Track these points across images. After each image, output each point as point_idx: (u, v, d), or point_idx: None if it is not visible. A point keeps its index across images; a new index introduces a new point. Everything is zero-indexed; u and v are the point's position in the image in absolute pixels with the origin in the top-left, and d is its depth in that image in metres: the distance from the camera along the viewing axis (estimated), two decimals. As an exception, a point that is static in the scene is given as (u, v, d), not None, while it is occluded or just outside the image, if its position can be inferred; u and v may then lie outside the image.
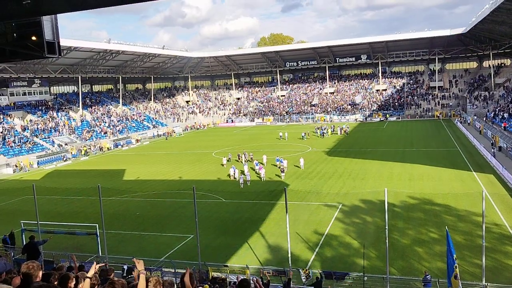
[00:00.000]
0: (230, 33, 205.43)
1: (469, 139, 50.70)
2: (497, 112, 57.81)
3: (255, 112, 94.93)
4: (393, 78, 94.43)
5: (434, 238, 21.13)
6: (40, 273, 5.29)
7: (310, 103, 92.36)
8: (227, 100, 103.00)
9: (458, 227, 22.18)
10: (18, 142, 57.13)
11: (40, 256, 16.82)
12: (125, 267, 17.61)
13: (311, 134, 64.26)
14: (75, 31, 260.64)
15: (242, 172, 36.12)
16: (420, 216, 24.67)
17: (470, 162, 38.43)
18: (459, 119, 71.52)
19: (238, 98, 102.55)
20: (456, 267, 14.50)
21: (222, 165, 43.63)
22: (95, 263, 6.33)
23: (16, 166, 51.39)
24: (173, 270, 17.81)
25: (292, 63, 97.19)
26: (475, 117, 63.77)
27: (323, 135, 63.06)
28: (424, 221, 23.80)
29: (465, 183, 31.15)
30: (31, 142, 58.36)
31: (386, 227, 17.33)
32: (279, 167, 38.15)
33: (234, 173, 37.55)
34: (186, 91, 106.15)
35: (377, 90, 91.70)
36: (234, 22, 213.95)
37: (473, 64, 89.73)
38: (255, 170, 39.06)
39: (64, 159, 56.60)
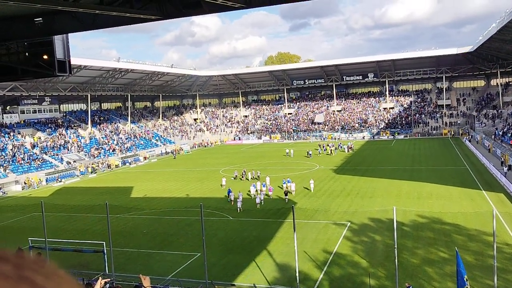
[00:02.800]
0: (239, 52, 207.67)
1: (478, 158, 50.30)
2: (506, 130, 57.42)
3: (262, 130, 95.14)
4: (400, 96, 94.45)
5: (444, 258, 20.81)
6: None
7: (312, 121, 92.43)
8: (234, 118, 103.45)
9: (468, 247, 21.84)
10: (27, 159, 57.61)
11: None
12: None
13: (314, 151, 63.61)
14: (86, 50, 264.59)
15: (258, 192, 35.70)
16: (429, 235, 24.36)
17: (479, 180, 38.05)
18: (467, 137, 71.11)
19: (246, 116, 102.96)
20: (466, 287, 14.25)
21: (221, 185, 42.08)
22: (100, 278, 6.32)
23: (25, 183, 51.73)
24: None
25: (299, 81, 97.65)
26: (484, 135, 63.37)
27: (323, 151, 63.40)
28: (434, 240, 23.48)
29: (475, 202, 30.79)
30: (40, 159, 58.81)
31: (395, 246, 17.14)
32: (285, 190, 35.47)
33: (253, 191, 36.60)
34: (194, 109, 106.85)
35: (385, 108, 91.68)
36: (243, 41, 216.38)
37: (481, 83, 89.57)
38: (263, 190, 37.56)
39: (59, 179, 56.79)
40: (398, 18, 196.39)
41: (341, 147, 67.50)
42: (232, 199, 34.42)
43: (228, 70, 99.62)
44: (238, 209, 32.03)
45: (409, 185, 37.80)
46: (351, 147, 66.29)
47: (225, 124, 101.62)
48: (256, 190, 36.27)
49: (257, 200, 33.25)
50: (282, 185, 37.78)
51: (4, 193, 48.84)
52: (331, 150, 63.84)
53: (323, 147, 66.87)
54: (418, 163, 50.25)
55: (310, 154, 60.74)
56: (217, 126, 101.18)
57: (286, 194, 34.66)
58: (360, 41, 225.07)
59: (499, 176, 38.19)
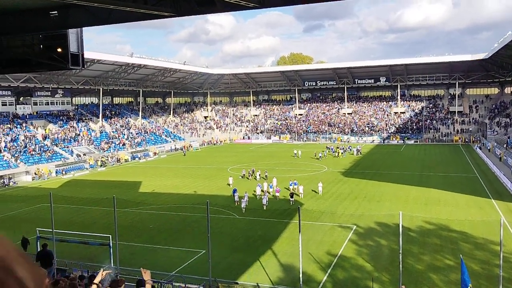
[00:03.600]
0: (252, 51, 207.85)
1: (489, 166, 49.79)
2: (518, 139, 56.73)
3: (272, 130, 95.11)
4: (412, 101, 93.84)
5: (450, 265, 20.66)
6: (47, 281, 5.35)
7: (328, 123, 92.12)
8: (244, 117, 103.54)
9: (475, 255, 21.66)
10: (38, 150, 58.23)
11: (53, 264, 16.98)
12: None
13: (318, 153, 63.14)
14: (101, 44, 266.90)
15: (263, 192, 35.30)
16: (435, 242, 24.19)
17: (489, 189, 37.67)
18: (478, 145, 70.41)
19: (256, 115, 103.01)
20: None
21: (228, 184, 41.79)
22: (101, 270, 6.38)
23: (36, 174, 52.29)
24: (183, 285, 17.75)
25: (311, 83, 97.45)
26: (496, 143, 62.69)
27: (330, 153, 63.04)
28: (440, 247, 23.32)
29: (483, 210, 30.50)
30: (51, 151, 59.41)
31: (400, 251, 17.06)
32: (291, 192, 34.85)
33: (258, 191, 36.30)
34: (204, 107, 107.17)
35: (395, 113, 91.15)
36: (256, 40, 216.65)
37: (494, 90, 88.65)
38: (270, 192, 37.17)
39: (63, 172, 57.27)
40: (413, 23, 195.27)
41: (350, 149, 67.30)
42: (237, 199, 33.98)
43: (240, 69, 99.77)
44: (243, 209, 31.73)
45: (417, 191, 37.56)
46: (359, 151, 66.06)
47: (235, 123, 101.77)
48: (262, 191, 36.03)
49: (264, 201, 32.78)
50: (289, 187, 37.34)
51: (15, 183, 49.43)
52: (338, 152, 63.45)
53: (331, 149, 66.54)
54: (428, 169, 49.89)
55: (320, 157, 60.49)
56: (227, 124, 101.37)
57: (291, 196, 34.02)
58: (374, 44, 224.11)
59: (509, 185, 37.76)
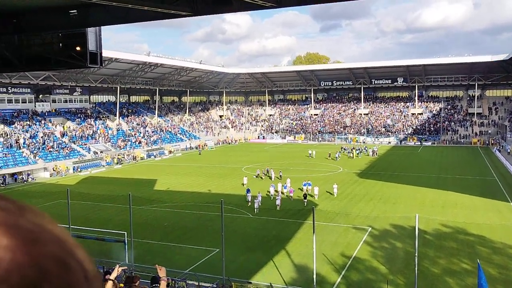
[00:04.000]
0: (268, 51, 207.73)
1: (508, 169, 48.87)
2: (539, 142, 55.61)
3: (287, 130, 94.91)
4: (429, 102, 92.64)
5: (467, 270, 20.34)
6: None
7: (343, 123, 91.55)
8: (259, 117, 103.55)
9: (492, 260, 21.28)
10: (56, 147, 59.13)
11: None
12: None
13: (333, 153, 62.53)
14: (118, 43, 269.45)
15: (277, 192, 35.06)
16: (452, 245, 23.85)
17: (508, 192, 36.96)
18: (498, 147, 69.19)
19: (271, 115, 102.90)
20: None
21: (243, 184, 41.25)
22: (117, 266, 6.43)
23: (54, 170, 53.11)
24: (197, 283, 17.83)
25: (327, 83, 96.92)
26: (515, 146, 61.51)
27: (346, 153, 62.17)
28: (457, 251, 22.98)
29: (502, 214, 29.95)
30: (68, 148, 60.28)
31: (416, 254, 16.88)
32: (304, 193, 34.35)
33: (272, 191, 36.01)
34: (220, 106, 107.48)
35: (413, 114, 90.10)
36: (272, 40, 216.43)
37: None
38: (284, 192, 36.64)
39: (79, 169, 57.81)
40: (432, 23, 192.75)
41: (366, 150, 66.78)
42: (249, 200, 33.59)
43: (256, 69, 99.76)
44: (255, 209, 31.49)
45: (434, 193, 37.07)
46: (375, 151, 65.49)
47: (250, 122, 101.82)
48: (276, 191, 35.77)
49: (277, 202, 32.41)
50: (302, 187, 36.81)
51: (33, 179, 50.28)
52: (353, 153, 62.82)
53: (346, 149, 65.66)
54: (445, 171, 49.20)
55: (337, 157, 60.15)
56: (242, 123, 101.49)
57: (305, 197, 33.45)
58: (391, 44, 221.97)
59: (529, 189, 37.05)
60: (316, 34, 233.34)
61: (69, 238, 0.80)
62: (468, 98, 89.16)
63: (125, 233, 22.12)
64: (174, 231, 27.83)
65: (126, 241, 21.86)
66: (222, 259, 18.90)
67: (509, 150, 63.01)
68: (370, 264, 21.33)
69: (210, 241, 24.86)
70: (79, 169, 55.38)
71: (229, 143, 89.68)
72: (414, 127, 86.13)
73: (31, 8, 13.06)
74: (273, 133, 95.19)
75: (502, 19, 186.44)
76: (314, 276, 18.15)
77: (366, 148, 67.97)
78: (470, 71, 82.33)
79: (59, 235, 0.78)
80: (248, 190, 35.53)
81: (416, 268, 16.86)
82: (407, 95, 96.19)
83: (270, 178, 44.82)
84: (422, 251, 21.52)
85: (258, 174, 46.63)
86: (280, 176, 44.61)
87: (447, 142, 79.59)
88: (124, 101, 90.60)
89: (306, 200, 33.21)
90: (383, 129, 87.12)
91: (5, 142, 54.85)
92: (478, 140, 77.89)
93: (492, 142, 75.58)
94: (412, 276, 17.62)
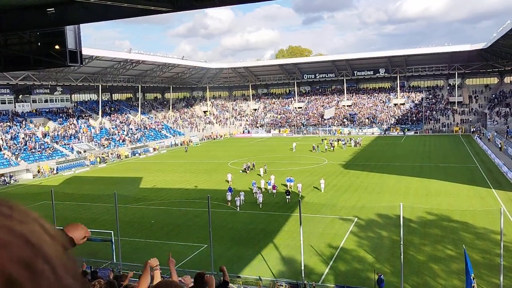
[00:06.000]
0: (251, 45, 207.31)
1: (489, 156, 49.84)
2: (518, 128, 56.77)
3: (272, 124, 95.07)
4: (411, 92, 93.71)
5: (451, 256, 20.75)
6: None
7: (322, 115, 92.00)
8: (244, 111, 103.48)
9: (476, 245, 21.75)
10: (38, 148, 58.26)
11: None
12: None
13: (321, 146, 62.52)
14: (99, 40, 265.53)
15: (260, 189, 34.47)
16: (436, 232, 24.29)
17: (489, 179, 37.73)
18: (478, 135, 70.43)
19: (255, 109, 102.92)
20: (473, 287, 14.23)
21: (227, 181, 39.98)
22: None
23: (38, 172, 52.34)
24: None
25: (310, 76, 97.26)
26: (496, 133, 62.74)
27: (328, 147, 62.38)
28: (441, 237, 23.41)
29: (484, 200, 30.58)
30: (51, 148, 59.44)
31: (401, 243, 17.15)
32: (287, 189, 33.41)
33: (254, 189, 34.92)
34: (204, 101, 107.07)
35: (395, 104, 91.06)
36: (255, 34, 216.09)
37: (494, 80, 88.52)
38: (268, 189, 36.07)
39: (54, 171, 57.19)
40: (413, 13, 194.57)
41: (349, 141, 67.29)
42: (230, 199, 32.09)
43: (239, 63, 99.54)
44: (237, 207, 30.81)
45: (418, 182, 37.62)
46: (359, 143, 66.14)
47: (235, 117, 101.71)
48: (259, 187, 34.98)
49: (260, 200, 31.51)
50: (286, 183, 35.80)
51: (16, 181, 49.50)
52: (334, 146, 62.66)
53: (329, 142, 65.19)
54: (428, 160, 49.94)
55: (326, 149, 60.45)
56: (226, 119, 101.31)
57: (288, 194, 32.31)
58: (373, 36, 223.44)
59: (509, 174, 37.85)
60: (298, 27, 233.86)
61: (40, 235, 0.76)
62: (448, 87, 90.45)
63: (112, 232, 21.99)
64: (161, 228, 27.74)
65: (113, 240, 21.74)
66: (211, 255, 18.95)
67: (489, 137, 64.24)
68: (357, 254, 21.61)
69: (197, 237, 24.87)
70: (55, 170, 54.61)
71: (214, 139, 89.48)
72: (397, 117, 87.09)
73: (7, 7, 12.81)
74: (258, 127, 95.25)
75: (481, 7, 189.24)
76: (302, 268, 18.33)
77: (351, 140, 68.37)
78: (450, 60, 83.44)
79: (27, 235, 0.73)
80: (230, 189, 33.70)
81: (402, 256, 17.15)
82: (389, 86, 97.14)
83: (259, 174, 42.98)
84: (408, 239, 21.87)
85: (245, 169, 46.44)
86: (265, 170, 44.22)
87: (430, 131, 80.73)
88: (106, 99, 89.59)
89: (289, 197, 32.09)
90: (367, 120, 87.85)
91: (-15, 144, 53.83)
92: (460, 128, 79.16)
93: (473, 129, 76.91)
94: (398, 264, 17.92)
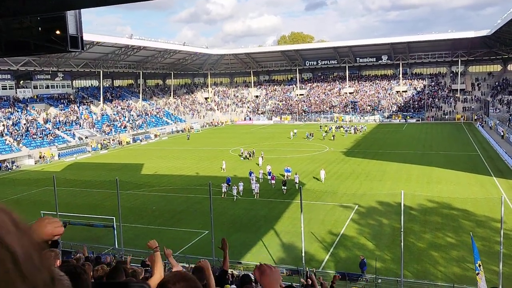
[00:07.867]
0: (253, 31, 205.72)
1: (491, 144, 49.74)
2: (520, 116, 56.53)
3: (273, 111, 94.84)
4: (414, 79, 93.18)
5: (451, 243, 20.85)
6: (58, 262, 5.40)
7: (329, 103, 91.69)
8: (245, 98, 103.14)
9: (476, 233, 21.79)
10: (40, 134, 58.29)
11: (58, 246, 17.16)
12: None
13: (316, 133, 62.52)
14: (101, 25, 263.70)
15: (258, 179, 34.04)
16: (437, 220, 24.36)
17: (490, 167, 37.71)
18: (481, 123, 70.21)
19: (257, 96, 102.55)
20: (478, 274, 14.32)
21: (222, 169, 39.73)
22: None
23: (40, 158, 52.44)
24: (187, 265, 17.96)
25: (312, 62, 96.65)
26: (498, 121, 62.51)
27: (328, 133, 62.44)
28: (441, 225, 23.49)
29: (485, 188, 30.61)
30: (52, 135, 59.48)
31: (402, 230, 17.22)
32: (284, 180, 32.44)
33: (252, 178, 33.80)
34: (205, 88, 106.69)
35: (397, 92, 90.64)
36: (257, 20, 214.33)
37: (497, 67, 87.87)
38: (268, 178, 34.93)
39: (51, 159, 57.17)
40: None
41: (350, 128, 67.31)
42: (225, 190, 30.95)
43: (240, 49, 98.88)
44: (234, 197, 30.53)
45: (419, 170, 37.63)
46: (360, 130, 66.28)
47: (236, 104, 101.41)
48: (257, 177, 34.37)
49: (256, 190, 30.93)
50: (284, 173, 35.04)
51: (18, 166, 49.65)
52: (334, 135, 61.57)
53: (328, 129, 65.16)
54: (429, 147, 49.88)
55: (331, 135, 60.58)
56: (227, 105, 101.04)
57: (284, 184, 31.48)
58: (376, 22, 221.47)
59: (511, 162, 37.82)
60: (301, 13, 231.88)
61: (4, 225, 0.76)
62: (451, 75, 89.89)
63: (114, 218, 22.10)
64: (163, 214, 27.88)
65: (114, 226, 21.87)
66: (212, 241, 19.05)
67: (491, 125, 64.03)
68: (358, 241, 21.71)
69: (199, 224, 25.00)
70: (57, 156, 54.70)
71: (216, 126, 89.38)
72: (399, 105, 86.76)
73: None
74: (259, 114, 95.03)
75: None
76: (303, 254, 18.44)
77: (355, 127, 68.23)
78: (453, 47, 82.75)
79: None
80: (228, 180, 32.83)
81: (402, 243, 17.22)
82: (392, 73, 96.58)
83: (257, 164, 41.43)
84: (408, 226, 21.96)
85: (246, 156, 46.33)
86: (262, 157, 42.80)
87: (431, 118, 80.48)
88: (107, 85, 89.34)
89: (285, 188, 31.38)
90: (369, 107, 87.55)
91: (-13, 130, 53.89)
92: (462, 116, 78.88)
93: (475, 117, 76.65)
94: (398, 251, 18.01)
